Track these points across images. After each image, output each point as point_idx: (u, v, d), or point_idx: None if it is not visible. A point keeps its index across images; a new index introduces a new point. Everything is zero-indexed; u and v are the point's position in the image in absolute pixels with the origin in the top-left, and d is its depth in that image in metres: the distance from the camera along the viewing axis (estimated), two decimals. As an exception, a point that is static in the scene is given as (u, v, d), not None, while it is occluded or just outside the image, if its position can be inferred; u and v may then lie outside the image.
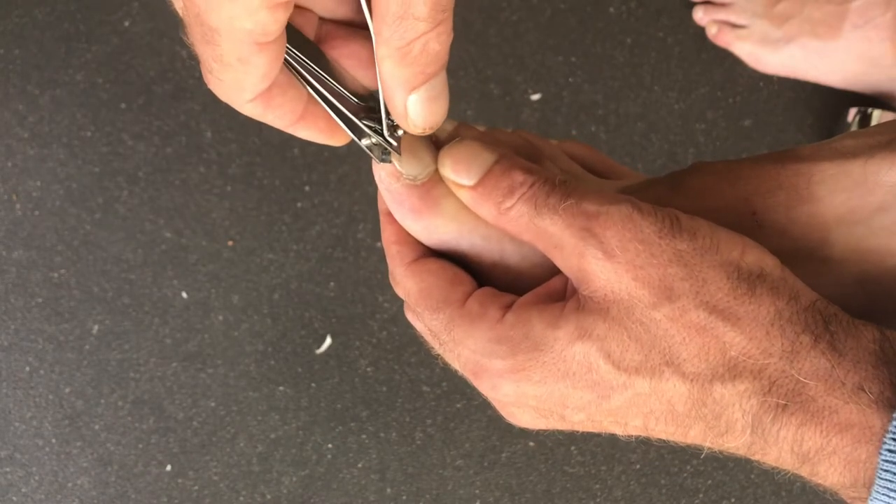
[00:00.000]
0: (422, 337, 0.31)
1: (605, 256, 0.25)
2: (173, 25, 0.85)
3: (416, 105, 0.24)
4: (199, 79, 0.87)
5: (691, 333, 0.24)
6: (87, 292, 0.85)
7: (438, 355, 0.30)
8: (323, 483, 0.84)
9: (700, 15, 0.83)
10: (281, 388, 0.85)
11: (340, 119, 0.26)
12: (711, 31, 0.82)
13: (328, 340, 0.85)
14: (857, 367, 0.24)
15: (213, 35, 0.21)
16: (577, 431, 0.28)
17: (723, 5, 0.81)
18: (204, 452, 0.85)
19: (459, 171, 0.28)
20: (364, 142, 0.27)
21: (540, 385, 0.26)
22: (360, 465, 0.84)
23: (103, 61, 0.85)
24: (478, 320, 0.27)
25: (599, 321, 0.25)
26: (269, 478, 0.85)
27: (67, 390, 0.85)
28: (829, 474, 0.24)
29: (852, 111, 0.79)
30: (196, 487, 0.85)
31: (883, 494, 0.23)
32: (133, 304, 0.85)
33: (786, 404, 0.24)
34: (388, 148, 0.27)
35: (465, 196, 0.28)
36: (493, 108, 0.84)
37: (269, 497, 0.85)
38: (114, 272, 0.85)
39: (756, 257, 0.25)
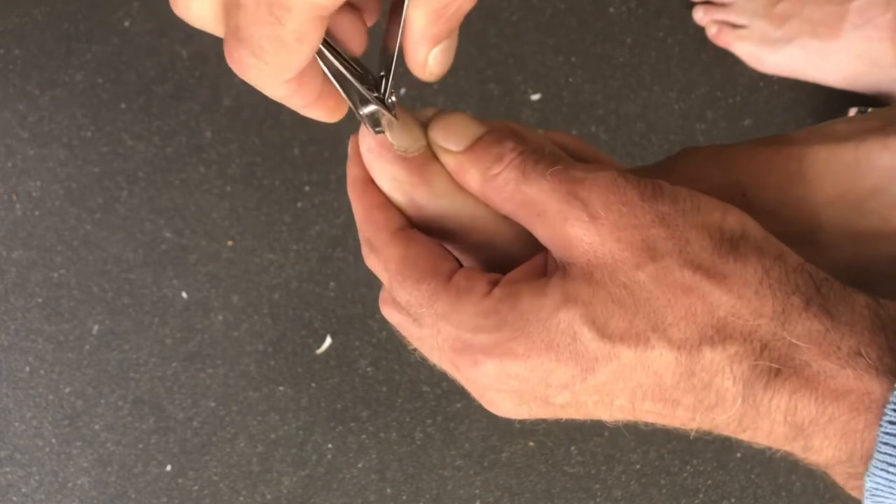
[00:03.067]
0: (397, 330, 0.30)
1: (590, 219, 0.25)
2: (173, 25, 0.85)
3: (436, 56, 0.26)
4: (200, 78, 0.87)
5: (676, 294, 0.24)
6: (87, 292, 0.85)
7: (415, 349, 0.29)
8: (323, 483, 0.84)
9: (700, 15, 0.83)
10: (281, 388, 0.84)
11: (343, 88, 0.27)
12: (711, 31, 0.82)
13: (328, 340, 0.85)
14: (853, 332, 0.23)
15: (283, 13, 0.21)
16: (571, 426, 0.27)
17: (723, 5, 0.81)
18: (204, 452, 0.85)
19: (449, 136, 0.28)
20: (361, 111, 0.28)
21: (523, 360, 0.25)
22: (360, 465, 0.84)
23: (103, 61, 0.85)
24: (465, 294, 0.26)
25: (584, 286, 0.24)
26: (269, 478, 0.85)
27: (67, 390, 0.85)
28: (823, 448, 0.23)
29: (852, 111, 0.79)
30: (196, 487, 0.85)
31: (881, 469, 0.22)
32: (133, 304, 0.85)
33: (779, 369, 0.23)
34: (388, 113, 0.27)
35: (451, 161, 0.28)
36: (493, 108, 0.84)
37: (269, 497, 0.85)
38: (114, 272, 0.85)
39: (737, 219, 0.25)
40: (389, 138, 0.28)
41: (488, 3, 0.85)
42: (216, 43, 0.85)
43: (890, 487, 0.22)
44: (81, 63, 0.85)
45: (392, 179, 0.28)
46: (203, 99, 0.85)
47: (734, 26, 0.81)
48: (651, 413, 0.25)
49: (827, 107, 0.84)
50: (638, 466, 0.84)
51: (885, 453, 0.22)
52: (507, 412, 0.27)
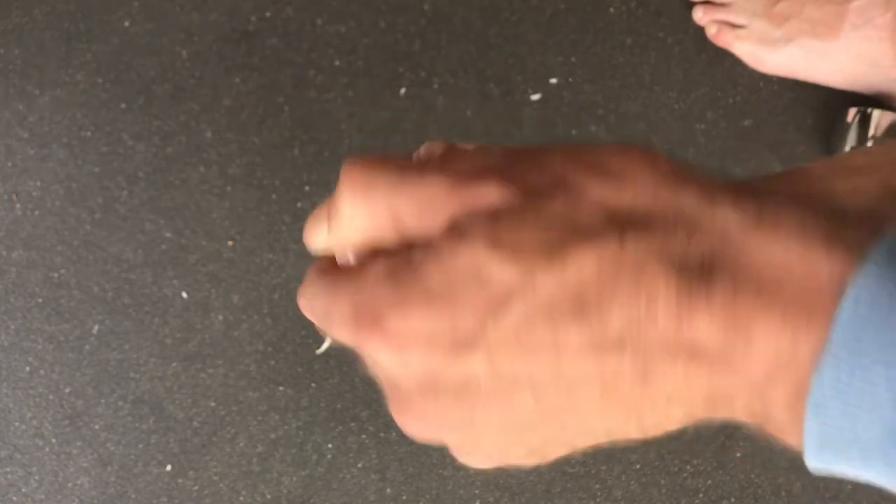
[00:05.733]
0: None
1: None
2: (173, 25, 0.85)
3: None
4: (200, 78, 0.87)
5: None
6: (87, 292, 0.85)
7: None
8: (323, 483, 0.84)
9: (700, 15, 0.83)
10: (281, 388, 0.85)
11: None
12: (711, 31, 0.82)
13: (328, 340, 0.85)
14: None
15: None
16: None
17: (722, 5, 0.81)
18: (204, 452, 0.85)
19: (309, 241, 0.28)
20: None
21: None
22: (360, 465, 0.84)
23: (103, 61, 0.85)
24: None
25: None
26: (269, 478, 0.85)
27: (67, 390, 0.85)
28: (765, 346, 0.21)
29: (852, 111, 0.79)
30: (196, 487, 0.85)
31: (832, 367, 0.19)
32: (133, 304, 0.85)
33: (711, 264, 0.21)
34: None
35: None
36: (493, 108, 0.84)
37: (269, 497, 0.85)
38: (114, 272, 0.85)
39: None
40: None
41: (488, 3, 0.85)
42: (216, 43, 0.85)
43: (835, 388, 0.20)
44: (81, 63, 0.85)
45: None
46: (203, 99, 0.85)
47: (734, 26, 0.81)
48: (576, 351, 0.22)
49: (827, 107, 0.84)
50: (638, 466, 0.84)
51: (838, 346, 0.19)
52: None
